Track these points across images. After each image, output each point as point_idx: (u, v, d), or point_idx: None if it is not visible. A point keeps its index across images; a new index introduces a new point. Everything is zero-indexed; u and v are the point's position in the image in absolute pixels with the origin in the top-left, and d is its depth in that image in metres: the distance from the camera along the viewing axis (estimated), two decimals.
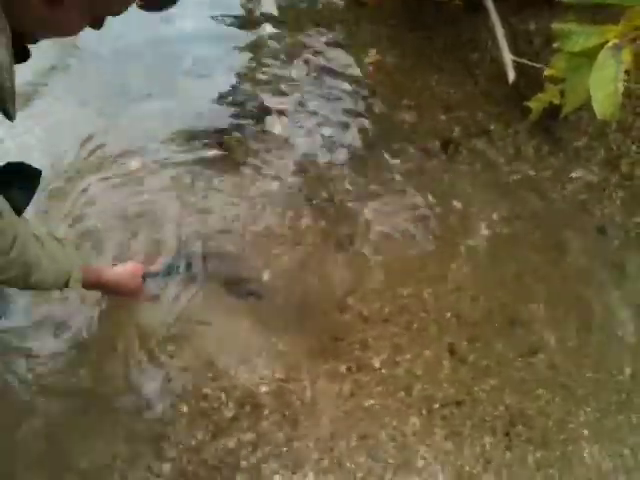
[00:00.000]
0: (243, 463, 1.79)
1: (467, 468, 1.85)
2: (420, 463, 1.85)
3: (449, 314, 2.10)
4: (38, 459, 1.72)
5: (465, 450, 1.87)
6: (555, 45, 1.57)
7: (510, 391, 1.98)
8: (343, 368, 1.99)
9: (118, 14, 1.06)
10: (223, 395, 1.90)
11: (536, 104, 1.92)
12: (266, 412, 1.87)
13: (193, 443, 1.80)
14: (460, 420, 1.92)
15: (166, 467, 1.76)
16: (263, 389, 1.92)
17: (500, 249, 2.24)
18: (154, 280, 2.00)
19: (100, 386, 1.85)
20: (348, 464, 1.82)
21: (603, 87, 1.46)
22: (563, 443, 1.90)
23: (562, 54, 1.59)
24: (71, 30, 1.05)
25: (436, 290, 2.14)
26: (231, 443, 1.81)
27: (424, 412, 1.92)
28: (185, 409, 1.85)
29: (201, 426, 1.83)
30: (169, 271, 2.04)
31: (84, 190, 2.22)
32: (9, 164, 1.28)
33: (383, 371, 1.99)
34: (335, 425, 1.87)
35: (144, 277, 1.93)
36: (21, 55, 1.06)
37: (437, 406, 1.93)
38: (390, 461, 1.84)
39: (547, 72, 1.68)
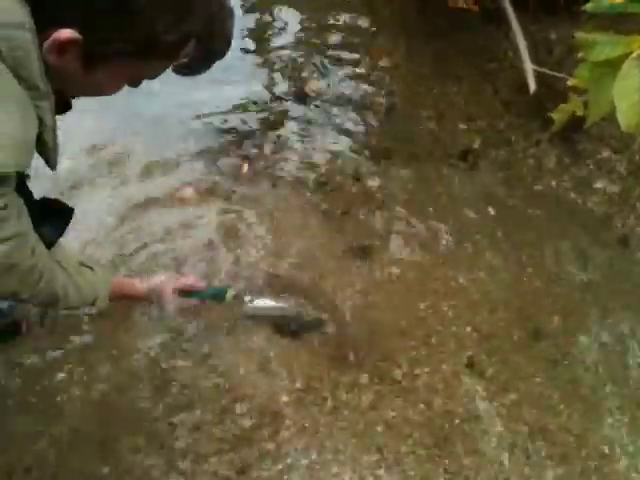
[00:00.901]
0: (264, 474, 1.77)
1: None
2: (440, 478, 1.82)
3: (468, 327, 2.07)
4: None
5: (484, 466, 1.84)
6: (579, 55, 1.55)
7: (530, 406, 1.95)
8: (365, 379, 1.97)
9: (153, 78, 1.11)
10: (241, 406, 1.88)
11: (559, 115, 1.90)
12: (286, 423, 1.85)
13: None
14: (480, 435, 1.89)
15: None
16: (283, 399, 1.90)
17: (520, 260, 2.21)
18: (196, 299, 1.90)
19: (121, 394, 1.84)
20: (368, 477, 1.79)
21: (627, 97, 1.43)
22: (584, 459, 1.86)
23: (585, 64, 1.57)
24: (108, 91, 1.10)
25: (454, 303, 2.11)
26: (252, 452, 1.79)
27: (446, 426, 1.89)
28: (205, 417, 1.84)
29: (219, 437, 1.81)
30: (215, 295, 1.91)
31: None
32: (44, 199, 1.34)
33: (403, 384, 1.96)
34: (355, 437, 1.85)
35: (186, 293, 1.84)
36: (63, 107, 1.12)
37: (457, 421, 1.90)
38: (411, 473, 1.81)
39: (570, 82, 1.66)
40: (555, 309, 2.13)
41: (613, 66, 1.47)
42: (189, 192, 2.27)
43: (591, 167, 2.43)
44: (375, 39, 2.63)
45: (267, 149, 2.40)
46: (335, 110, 2.53)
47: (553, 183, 2.40)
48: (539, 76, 2.33)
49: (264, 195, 2.30)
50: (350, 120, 2.51)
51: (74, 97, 1.14)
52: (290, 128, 2.47)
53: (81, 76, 1.01)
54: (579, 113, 1.86)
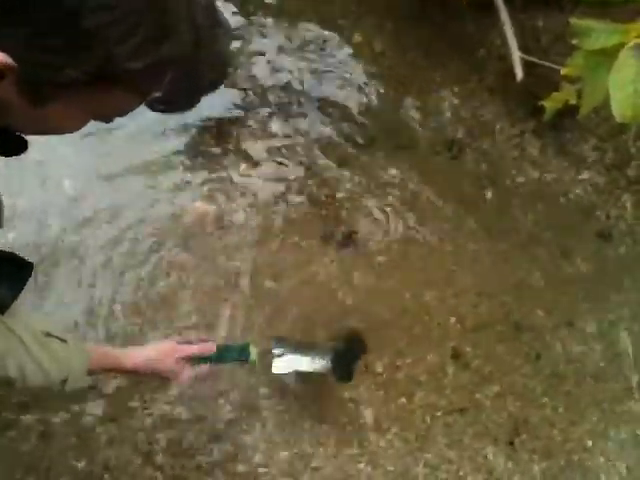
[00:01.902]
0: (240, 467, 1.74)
1: (469, 478, 1.79)
2: (421, 472, 1.79)
3: (452, 319, 2.05)
4: None
5: (467, 459, 1.82)
6: (574, 42, 1.51)
7: (514, 398, 1.94)
8: None
9: (124, 114, 0.87)
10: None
11: (551, 103, 1.86)
12: (264, 415, 1.82)
13: None
14: (462, 428, 1.87)
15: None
16: (262, 390, 1.87)
17: (504, 252, 2.18)
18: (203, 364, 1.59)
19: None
20: (349, 470, 1.76)
21: (622, 88, 1.40)
22: (568, 453, 1.85)
23: (580, 52, 1.53)
24: (68, 129, 0.87)
25: (439, 294, 2.08)
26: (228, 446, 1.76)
27: (426, 419, 1.87)
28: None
29: None
30: (235, 356, 1.61)
31: None
32: None
33: (384, 376, 1.93)
34: (336, 430, 1.82)
35: (191, 360, 1.53)
36: (16, 146, 0.90)
37: (439, 414, 1.88)
38: (390, 468, 1.79)
39: (564, 70, 1.62)
40: (538, 302, 2.11)
41: (608, 55, 1.44)
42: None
43: (576, 157, 2.40)
44: (361, 24, 2.57)
45: (248, 132, 2.34)
46: (318, 97, 2.47)
47: (537, 173, 2.37)
48: (526, 65, 2.29)
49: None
50: (334, 107, 2.46)
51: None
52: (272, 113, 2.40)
53: (27, 110, 0.78)
54: (572, 102, 1.82)
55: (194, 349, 1.51)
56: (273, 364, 1.66)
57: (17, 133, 0.87)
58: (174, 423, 1.78)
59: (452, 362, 1.98)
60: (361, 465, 1.79)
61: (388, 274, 2.10)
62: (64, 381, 1.27)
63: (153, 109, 0.84)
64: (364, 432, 1.83)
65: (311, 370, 1.71)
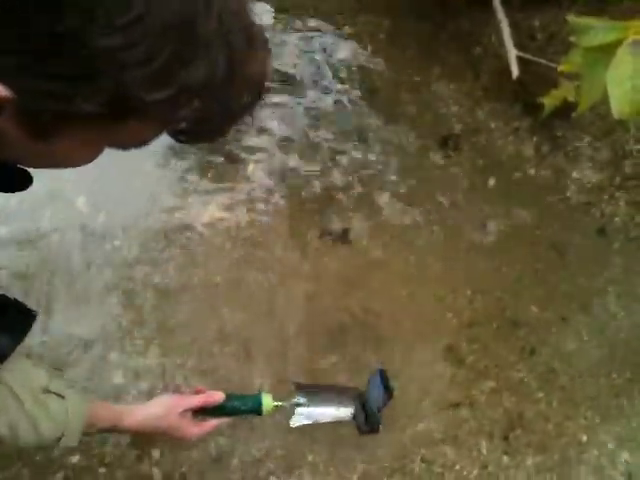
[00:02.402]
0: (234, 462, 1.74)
1: (464, 473, 1.80)
2: (417, 467, 1.80)
3: (448, 314, 2.05)
4: None
5: (462, 454, 1.82)
6: (571, 39, 1.52)
7: (509, 394, 1.94)
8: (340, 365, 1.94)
9: (144, 145, 0.73)
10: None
11: (550, 100, 1.88)
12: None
13: None
14: (457, 423, 1.88)
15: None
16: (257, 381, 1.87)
17: (500, 249, 2.20)
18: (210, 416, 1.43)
19: None
20: (343, 469, 1.76)
21: (620, 84, 1.41)
22: (563, 447, 1.86)
23: (578, 49, 1.54)
24: (80, 161, 0.74)
25: (434, 290, 2.08)
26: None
27: (422, 415, 1.87)
28: None
29: None
30: (246, 407, 1.41)
31: None
32: (2, 297, 1.05)
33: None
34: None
35: (203, 411, 1.40)
36: (20, 181, 0.82)
37: (434, 409, 1.88)
38: (386, 464, 1.79)
39: (561, 67, 1.63)
40: (533, 298, 2.12)
41: (606, 52, 1.45)
42: None
43: (570, 155, 2.42)
44: (358, 20, 2.58)
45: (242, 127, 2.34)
46: (314, 92, 2.47)
47: (532, 171, 2.39)
48: (522, 62, 2.31)
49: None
50: (330, 103, 2.46)
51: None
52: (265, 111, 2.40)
53: (29, 144, 0.66)
54: (570, 99, 1.83)
55: (199, 400, 1.36)
56: (293, 417, 1.48)
57: (20, 167, 0.78)
58: None
59: (447, 357, 1.99)
60: (357, 463, 1.79)
61: (383, 271, 2.11)
62: (59, 438, 1.19)
63: (177, 140, 0.72)
64: None
65: (335, 421, 1.52)
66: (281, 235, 2.13)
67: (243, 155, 2.25)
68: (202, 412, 1.37)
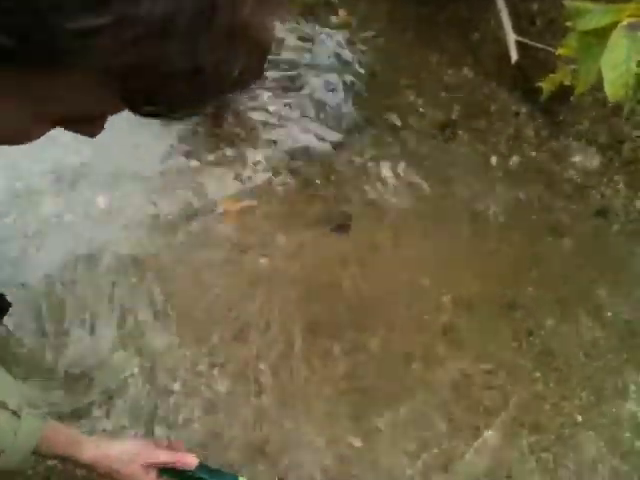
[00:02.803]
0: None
1: (458, 451, 1.82)
2: (412, 446, 1.82)
3: (445, 297, 2.08)
4: None
5: (457, 434, 1.85)
6: (568, 24, 1.53)
7: (505, 374, 1.97)
8: (338, 349, 1.96)
9: (94, 120, 0.58)
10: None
11: (547, 85, 1.89)
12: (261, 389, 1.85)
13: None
14: (454, 403, 1.90)
15: None
16: (260, 366, 1.90)
17: (498, 232, 2.22)
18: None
19: None
20: (342, 445, 1.79)
21: (615, 68, 1.42)
22: (558, 427, 1.88)
23: (574, 33, 1.55)
24: (16, 138, 0.56)
25: (433, 274, 2.11)
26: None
27: (418, 394, 1.90)
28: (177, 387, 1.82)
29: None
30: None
31: None
32: None
33: (378, 354, 1.96)
34: (329, 405, 1.85)
35: (169, 471, 1.27)
36: None
37: (432, 389, 1.91)
38: (384, 444, 1.82)
39: (559, 51, 1.65)
40: (531, 280, 2.14)
41: (602, 36, 1.45)
42: None
43: (570, 138, 2.43)
44: (356, 2, 2.58)
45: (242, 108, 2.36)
46: (312, 77, 2.49)
47: (532, 154, 2.40)
48: (521, 47, 2.32)
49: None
50: (328, 88, 2.47)
51: None
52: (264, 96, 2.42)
53: None
54: (567, 82, 1.85)
55: (169, 459, 1.24)
56: None
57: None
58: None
59: (444, 339, 2.01)
60: (355, 439, 1.81)
61: (383, 255, 2.13)
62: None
63: (140, 113, 0.52)
64: (358, 406, 1.87)
65: None
66: (280, 215, 2.15)
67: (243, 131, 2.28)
68: (169, 472, 1.25)
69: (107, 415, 1.73)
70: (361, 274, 2.07)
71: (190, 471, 1.24)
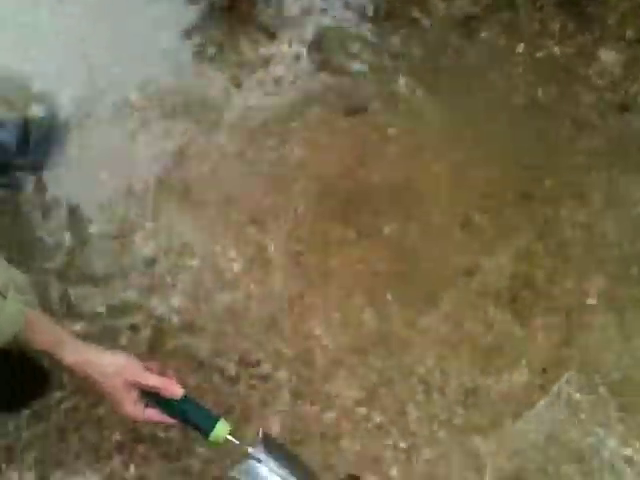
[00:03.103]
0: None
1: (470, 331, 1.85)
2: (424, 326, 1.86)
3: (462, 186, 2.08)
4: None
5: (469, 316, 1.87)
6: None
7: (518, 261, 1.97)
8: (353, 234, 2.00)
9: None
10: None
11: None
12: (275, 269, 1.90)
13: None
14: (466, 288, 1.93)
15: None
16: (271, 249, 1.95)
17: (519, 122, 2.19)
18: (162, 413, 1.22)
19: None
20: (355, 323, 1.83)
21: None
22: (569, 310, 1.89)
23: None
24: None
25: (450, 163, 2.11)
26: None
27: (430, 279, 1.93)
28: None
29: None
30: (196, 423, 1.21)
31: None
32: None
33: (393, 239, 1.99)
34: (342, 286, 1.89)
35: (151, 395, 1.20)
36: None
37: (444, 274, 1.93)
38: (396, 319, 1.86)
39: None
40: (550, 172, 2.13)
41: None
42: None
43: (597, 33, 2.37)
44: None
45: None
46: None
47: (556, 49, 2.35)
48: None
49: None
50: None
51: None
52: None
53: None
54: None
55: (155, 384, 1.18)
56: (237, 466, 1.21)
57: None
58: None
59: (459, 227, 2.03)
60: (366, 316, 1.86)
61: (399, 145, 2.14)
62: None
63: None
64: (370, 288, 1.91)
65: None
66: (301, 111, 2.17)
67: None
68: (151, 397, 1.19)
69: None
70: (377, 161, 2.08)
71: (175, 401, 1.18)
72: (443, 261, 1.96)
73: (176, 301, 1.83)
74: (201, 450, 1.60)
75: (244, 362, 1.74)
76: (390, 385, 1.72)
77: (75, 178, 2.03)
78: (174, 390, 1.18)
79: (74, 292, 1.83)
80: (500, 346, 1.81)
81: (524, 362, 1.77)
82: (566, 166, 2.14)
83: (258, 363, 1.74)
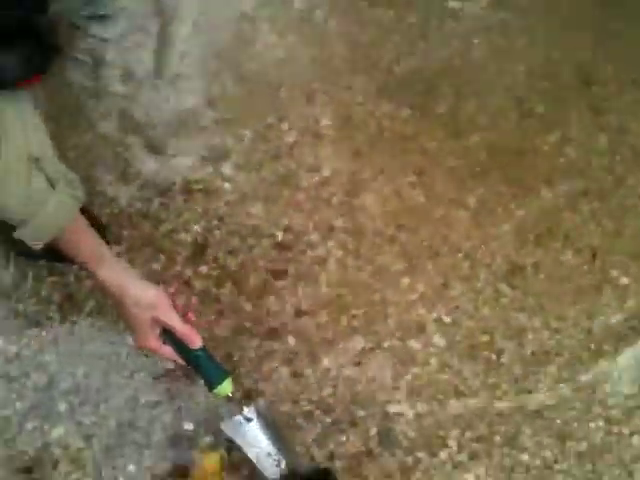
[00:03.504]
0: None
1: (519, 211, 1.83)
2: (474, 205, 1.85)
3: (520, 66, 2.04)
4: None
5: (520, 194, 1.86)
6: None
7: (574, 146, 1.95)
8: (406, 112, 1.98)
9: None
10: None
11: None
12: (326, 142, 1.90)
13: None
14: (519, 168, 1.91)
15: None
16: (324, 122, 1.94)
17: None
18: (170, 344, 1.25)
19: None
20: (404, 194, 1.84)
21: None
22: (621, 197, 1.87)
23: None
24: None
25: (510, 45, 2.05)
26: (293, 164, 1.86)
27: (482, 156, 1.91)
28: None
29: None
30: (205, 373, 1.27)
31: None
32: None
33: (446, 118, 1.97)
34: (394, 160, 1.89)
35: (169, 334, 1.23)
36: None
37: (495, 151, 1.91)
38: (443, 201, 1.85)
39: None
40: (609, 58, 2.07)
41: None
42: None
43: None
44: None
45: None
46: None
47: None
48: None
49: None
50: None
51: None
52: None
53: None
54: None
55: (179, 329, 1.20)
56: (227, 421, 1.31)
57: None
58: None
59: (515, 108, 2.00)
60: (415, 191, 1.86)
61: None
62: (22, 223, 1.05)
63: None
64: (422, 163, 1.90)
65: (254, 460, 1.28)
66: None
67: None
68: (169, 336, 1.22)
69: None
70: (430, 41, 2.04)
71: (190, 349, 1.22)
72: (495, 140, 1.94)
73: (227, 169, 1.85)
74: None
75: (293, 230, 1.76)
76: (436, 259, 1.73)
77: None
78: (194, 340, 1.21)
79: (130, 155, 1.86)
80: (550, 227, 1.80)
81: (574, 245, 1.76)
82: (627, 54, 2.08)
83: (306, 233, 1.76)
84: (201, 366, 1.25)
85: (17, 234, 1.06)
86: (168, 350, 1.23)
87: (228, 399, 1.29)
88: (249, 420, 1.29)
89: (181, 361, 1.25)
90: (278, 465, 1.28)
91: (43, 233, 1.07)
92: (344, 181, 1.85)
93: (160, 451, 1.37)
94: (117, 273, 1.16)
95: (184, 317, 1.22)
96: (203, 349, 1.24)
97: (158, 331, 1.21)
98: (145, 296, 1.17)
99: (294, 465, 1.29)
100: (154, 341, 1.21)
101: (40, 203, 1.03)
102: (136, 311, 1.17)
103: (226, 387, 1.25)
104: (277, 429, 1.33)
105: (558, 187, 1.88)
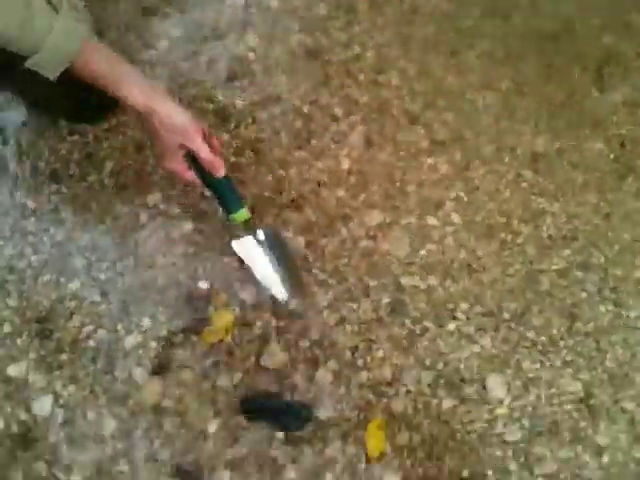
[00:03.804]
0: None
1: (549, 97, 1.78)
2: (504, 85, 1.80)
3: None
4: None
5: (554, 79, 1.81)
6: None
7: (610, 32, 1.86)
8: None
9: None
10: None
11: None
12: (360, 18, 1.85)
13: None
14: (552, 53, 1.85)
15: None
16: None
17: None
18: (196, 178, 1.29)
19: None
20: (433, 77, 1.80)
21: None
22: None
23: None
24: None
25: None
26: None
27: (518, 40, 1.85)
28: None
29: None
30: (225, 200, 1.33)
31: None
32: None
33: None
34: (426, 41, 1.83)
35: (188, 154, 1.24)
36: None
37: (532, 38, 1.84)
38: (474, 83, 1.81)
39: None
40: None
41: None
42: None
43: None
44: None
45: None
46: None
47: None
48: None
49: None
50: None
51: None
52: None
53: None
54: None
55: (205, 155, 1.20)
56: (241, 239, 1.37)
57: None
58: None
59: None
60: (447, 71, 1.81)
61: None
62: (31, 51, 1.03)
63: None
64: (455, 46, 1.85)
65: (259, 279, 1.37)
66: None
67: None
68: (194, 162, 1.24)
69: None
70: None
71: (212, 177, 1.25)
72: (533, 25, 1.87)
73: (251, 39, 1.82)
74: None
75: (318, 103, 1.74)
76: (461, 142, 1.70)
77: None
78: (220, 170, 1.23)
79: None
80: (578, 114, 1.75)
81: (604, 133, 1.72)
82: None
83: (331, 107, 1.74)
84: (222, 193, 1.31)
85: (29, 63, 1.04)
86: (187, 175, 1.25)
87: (244, 225, 1.35)
88: (260, 242, 1.37)
89: (199, 186, 1.31)
90: (283, 284, 1.37)
91: (55, 60, 1.05)
92: (373, 58, 1.81)
93: (175, 308, 1.40)
94: (143, 92, 1.12)
95: (210, 145, 1.23)
96: (227, 179, 1.28)
97: (182, 155, 1.22)
98: (174, 120, 1.15)
99: (298, 287, 1.39)
100: (180, 164, 1.23)
101: (45, 29, 1.01)
102: (164, 133, 1.16)
103: (244, 213, 1.32)
104: (286, 256, 1.41)
105: (593, 72, 1.82)
